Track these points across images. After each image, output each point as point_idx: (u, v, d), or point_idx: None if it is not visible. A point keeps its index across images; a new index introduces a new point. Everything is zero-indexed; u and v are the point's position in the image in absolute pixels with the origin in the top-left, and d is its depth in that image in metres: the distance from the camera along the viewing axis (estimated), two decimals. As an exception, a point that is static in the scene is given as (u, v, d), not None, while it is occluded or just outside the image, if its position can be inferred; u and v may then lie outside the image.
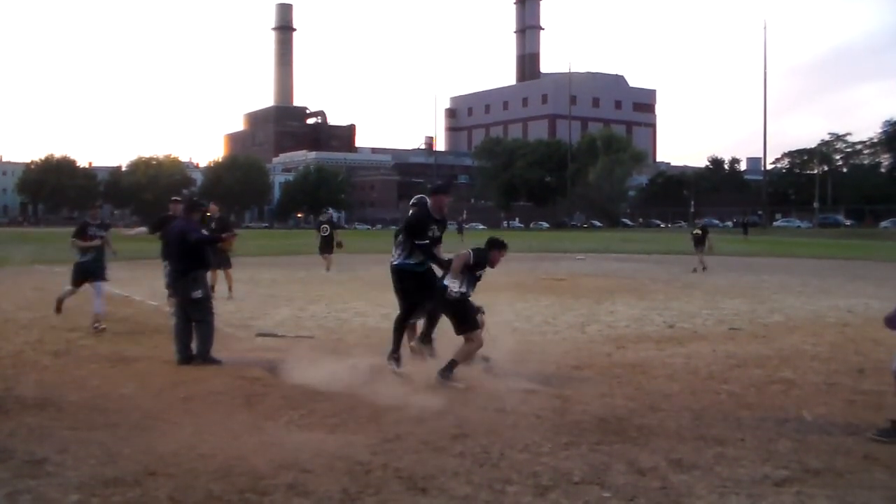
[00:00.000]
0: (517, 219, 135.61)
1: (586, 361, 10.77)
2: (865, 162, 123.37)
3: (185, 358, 10.55)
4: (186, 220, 11.16)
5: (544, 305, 17.30)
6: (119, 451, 6.57)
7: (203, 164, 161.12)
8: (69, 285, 14.20)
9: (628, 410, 8.10)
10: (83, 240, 13.91)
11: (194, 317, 10.64)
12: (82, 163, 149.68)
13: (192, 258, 10.72)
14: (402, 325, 10.01)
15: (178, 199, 13.44)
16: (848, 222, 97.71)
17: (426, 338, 9.92)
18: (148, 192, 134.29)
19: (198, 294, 10.64)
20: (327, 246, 27.11)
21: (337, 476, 5.96)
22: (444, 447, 6.75)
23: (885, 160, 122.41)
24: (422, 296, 9.79)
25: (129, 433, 7.18)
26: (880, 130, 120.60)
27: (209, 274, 13.39)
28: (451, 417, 7.68)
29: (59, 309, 14.24)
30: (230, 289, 18.29)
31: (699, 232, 30.33)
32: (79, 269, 14.00)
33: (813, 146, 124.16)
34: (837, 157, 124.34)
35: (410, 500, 5.55)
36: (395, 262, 9.93)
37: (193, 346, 10.62)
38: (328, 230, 27.47)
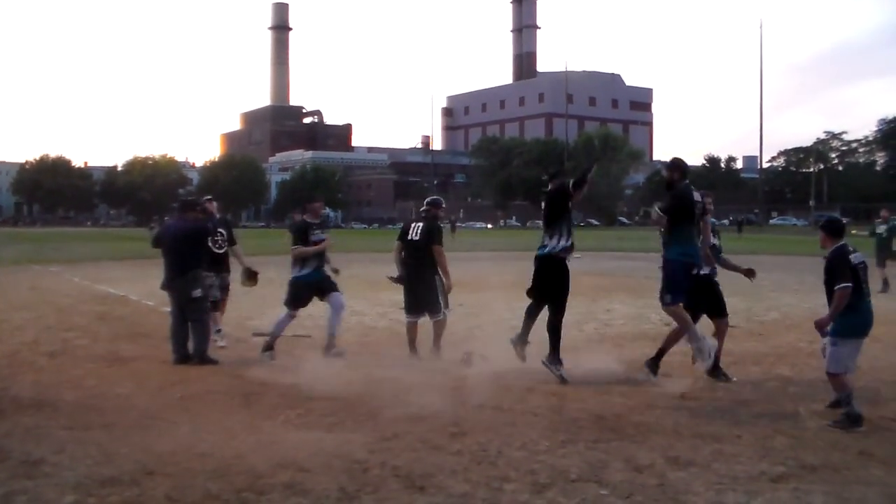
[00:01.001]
0: (514, 217, 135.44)
1: (583, 360, 10.75)
2: (861, 160, 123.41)
3: (182, 357, 10.54)
4: (182, 219, 11.11)
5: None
6: (116, 450, 6.57)
7: (199, 163, 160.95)
8: (285, 313, 10.97)
9: (625, 408, 8.10)
10: (307, 245, 11.09)
11: (191, 316, 10.62)
12: (78, 162, 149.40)
13: (191, 257, 10.69)
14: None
15: (210, 197, 12.62)
16: (844, 220, 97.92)
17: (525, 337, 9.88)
18: (144, 191, 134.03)
19: (197, 293, 10.63)
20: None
21: (335, 475, 5.96)
22: (442, 445, 6.75)
23: (880, 158, 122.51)
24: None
25: (126, 433, 7.18)
26: (875, 129, 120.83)
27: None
28: (449, 416, 7.69)
29: (271, 346, 10.93)
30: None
31: None
32: (301, 287, 11.01)
33: (809, 144, 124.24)
34: (833, 155, 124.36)
35: (408, 499, 5.55)
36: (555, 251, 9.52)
37: (190, 345, 10.62)
38: None
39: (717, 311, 9.71)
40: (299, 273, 10.97)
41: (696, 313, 9.49)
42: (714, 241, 9.58)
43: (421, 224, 10.79)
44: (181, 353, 10.57)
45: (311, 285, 10.97)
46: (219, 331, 11.77)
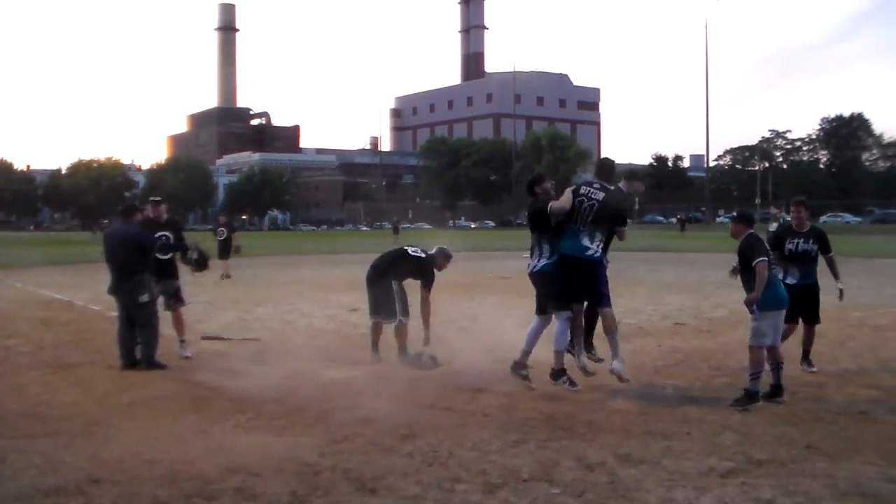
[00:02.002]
0: (463, 218, 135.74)
1: (533, 359, 10.76)
2: (805, 158, 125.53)
3: (129, 363, 10.39)
4: (126, 223, 10.82)
5: (490, 304, 17.32)
6: (61, 459, 6.46)
7: (145, 166, 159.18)
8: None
9: (576, 407, 8.14)
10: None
11: (139, 321, 10.46)
12: (20, 165, 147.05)
13: (138, 261, 10.48)
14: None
15: (159, 199, 12.31)
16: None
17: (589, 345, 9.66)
18: (89, 195, 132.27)
19: (144, 298, 10.46)
20: (225, 251, 25.22)
21: (285, 478, 5.92)
22: (393, 447, 6.74)
23: (823, 157, 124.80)
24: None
25: (72, 441, 7.06)
26: (818, 127, 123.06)
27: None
28: (400, 417, 7.67)
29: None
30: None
31: None
32: None
33: (754, 143, 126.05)
34: (778, 153, 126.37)
35: (360, 501, 5.52)
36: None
37: (137, 350, 10.48)
38: (224, 234, 25.96)
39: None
40: None
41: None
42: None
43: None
44: (128, 358, 10.42)
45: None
46: (182, 342, 11.50)
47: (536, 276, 9.12)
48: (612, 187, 9.05)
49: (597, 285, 8.85)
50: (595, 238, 8.81)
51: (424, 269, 10.75)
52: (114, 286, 10.64)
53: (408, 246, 11.23)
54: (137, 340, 10.52)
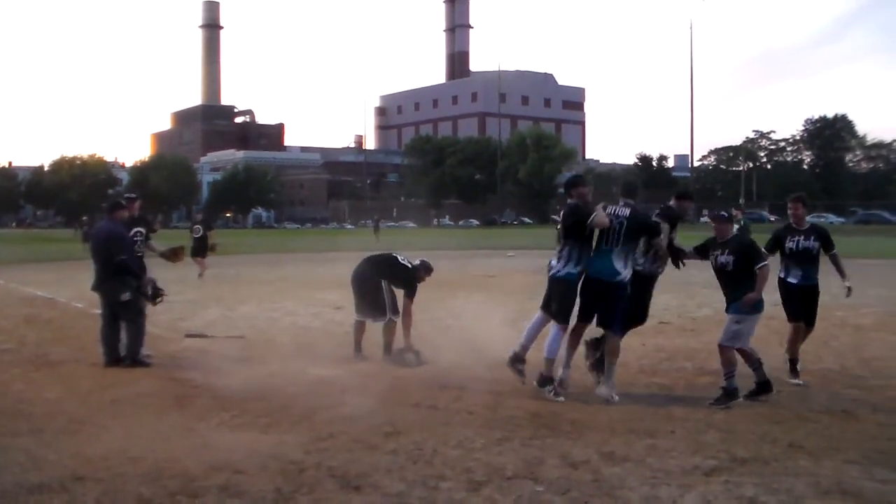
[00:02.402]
0: (447, 216, 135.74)
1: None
2: (789, 159, 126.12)
3: (113, 359, 10.35)
4: (111, 221, 10.77)
5: (475, 302, 17.30)
6: (44, 456, 6.44)
7: (129, 163, 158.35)
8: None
9: (560, 405, 8.17)
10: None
11: (124, 317, 10.43)
12: (2, 162, 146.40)
13: (119, 260, 10.38)
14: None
15: (134, 196, 12.26)
16: (773, 218, 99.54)
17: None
18: (72, 192, 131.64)
19: (126, 296, 10.40)
20: (200, 249, 24.37)
21: (270, 476, 5.92)
22: (377, 445, 6.74)
23: (807, 157, 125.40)
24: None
25: (55, 438, 7.03)
26: (802, 128, 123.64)
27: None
28: (384, 415, 7.68)
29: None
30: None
31: None
32: None
33: (738, 143, 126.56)
34: (762, 154, 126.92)
35: (344, 499, 5.52)
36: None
37: (121, 347, 10.44)
38: (200, 231, 25.12)
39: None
40: None
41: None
42: None
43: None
44: (112, 355, 10.38)
45: None
46: None
47: (557, 282, 8.86)
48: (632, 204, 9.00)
49: (614, 311, 8.72)
50: (627, 260, 8.68)
51: (410, 279, 10.87)
52: (94, 284, 10.61)
53: (396, 253, 11.32)
54: (120, 337, 10.47)
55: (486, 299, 17.88)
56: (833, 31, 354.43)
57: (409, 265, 11.01)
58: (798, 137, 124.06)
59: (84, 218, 51.24)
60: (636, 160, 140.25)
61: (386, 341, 10.68)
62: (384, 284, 10.70)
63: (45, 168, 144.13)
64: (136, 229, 11.13)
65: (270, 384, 9.03)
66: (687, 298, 18.06)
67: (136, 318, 10.51)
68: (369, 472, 6.02)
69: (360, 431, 7.12)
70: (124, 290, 10.40)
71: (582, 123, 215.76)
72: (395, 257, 11.14)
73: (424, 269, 11.16)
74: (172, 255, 11.89)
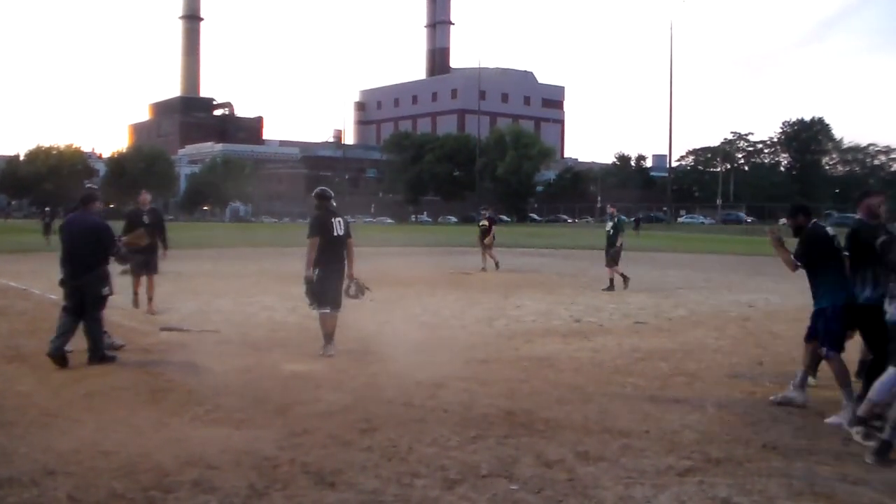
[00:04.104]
0: (425, 213, 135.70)
1: (494, 355, 10.83)
2: (766, 161, 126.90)
3: (59, 353, 9.79)
4: (87, 212, 10.51)
5: (452, 300, 17.35)
6: (15, 449, 6.39)
7: (106, 154, 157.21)
8: None
9: (535, 404, 8.17)
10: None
11: (92, 313, 10.08)
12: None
13: (98, 253, 10.18)
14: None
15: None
16: (749, 219, 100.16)
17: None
18: (48, 182, 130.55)
19: (106, 291, 10.17)
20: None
21: (244, 471, 5.89)
22: (352, 441, 6.72)
23: (784, 159, 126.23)
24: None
25: (26, 431, 6.98)
26: (779, 130, 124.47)
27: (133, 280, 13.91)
28: (359, 412, 7.66)
29: None
30: (150, 300, 14.65)
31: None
32: None
33: (716, 145, 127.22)
34: (740, 155, 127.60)
35: (318, 495, 5.50)
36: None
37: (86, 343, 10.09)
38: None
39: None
40: None
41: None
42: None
43: (340, 219, 10.86)
44: (60, 351, 9.82)
45: None
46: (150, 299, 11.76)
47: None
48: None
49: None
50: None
51: (348, 224, 11.12)
52: (69, 278, 10.23)
53: (339, 227, 11.06)
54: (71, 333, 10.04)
55: (462, 297, 17.91)
56: (813, 34, 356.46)
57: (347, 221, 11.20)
58: (775, 140, 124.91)
59: (47, 209, 50.38)
60: (614, 159, 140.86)
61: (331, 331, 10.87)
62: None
63: (21, 157, 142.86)
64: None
65: (245, 379, 9.00)
66: (662, 298, 18.15)
67: (99, 312, 10.22)
68: (344, 468, 6.00)
69: (335, 427, 7.11)
70: (105, 284, 10.20)
71: (561, 122, 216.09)
72: (345, 236, 11.07)
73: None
74: (134, 238, 11.79)
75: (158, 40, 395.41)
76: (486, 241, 26.23)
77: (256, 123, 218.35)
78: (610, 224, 20.53)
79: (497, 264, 25.98)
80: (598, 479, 5.88)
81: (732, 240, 57.82)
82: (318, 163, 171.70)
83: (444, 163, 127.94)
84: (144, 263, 14.31)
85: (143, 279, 14.65)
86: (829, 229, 8.40)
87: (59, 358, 9.75)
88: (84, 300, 10.14)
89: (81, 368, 9.70)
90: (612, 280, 20.05)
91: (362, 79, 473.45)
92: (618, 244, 20.17)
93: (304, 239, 10.93)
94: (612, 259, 20.21)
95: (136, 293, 14.54)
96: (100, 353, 10.11)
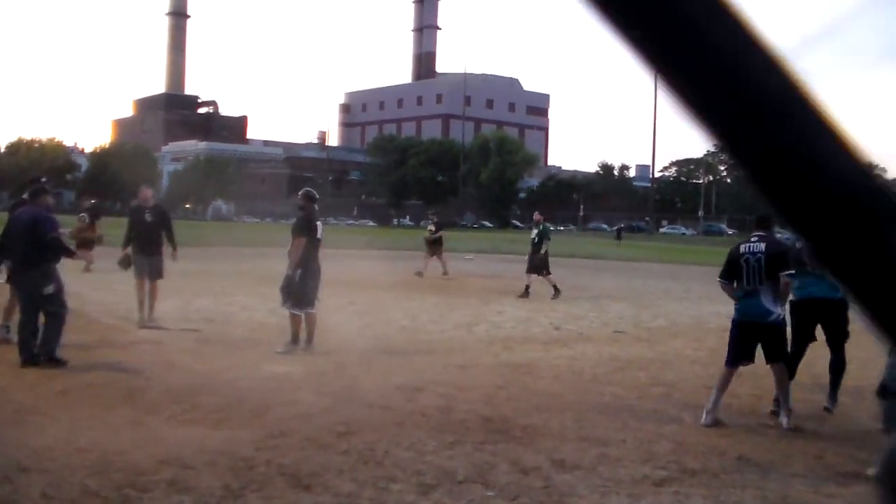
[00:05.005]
0: (408, 217, 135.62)
1: (473, 361, 10.83)
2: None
3: (30, 358, 9.45)
4: (36, 206, 10.14)
5: (431, 304, 17.33)
6: (-11, 445, 6.34)
7: (88, 149, 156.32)
8: None
9: (513, 410, 8.17)
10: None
11: (48, 309, 9.66)
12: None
13: (44, 250, 9.76)
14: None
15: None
16: (730, 231, 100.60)
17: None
18: (29, 175, 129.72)
19: (49, 290, 9.66)
20: (87, 240, 21.88)
21: (219, 472, 5.87)
22: (329, 444, 6.71)
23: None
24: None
25: (0, 428, 6.93)
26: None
27: (136, 283, 13.11)
28: (337, 414, 7.65)
29: None
30: (152, 308, 13.36)
31: None
32: None
33: (699, 156, 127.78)
34: (722, 168, 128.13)
35: (294, 497, 5.49)
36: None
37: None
38: (87, 220, 23.29)
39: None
40: None
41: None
42: None
43: (319, 221, 11.06)
44: (30, 352, 9.51)
45: None
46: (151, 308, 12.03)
47: None
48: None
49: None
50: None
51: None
52: (14, 275, 9.98)
53: (320, 230, 11.34)
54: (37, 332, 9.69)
55: (442, 302, 17.91)
56: (798, 48, 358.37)
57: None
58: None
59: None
60: (598, 168, 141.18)
61: (312, 331, 11.08)
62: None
63: (2, 150, 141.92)
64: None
65: (224, 379, 8.97)
66: (642, 308, 18.21)
67: (59, 310, 9.76)
68: (320, 471, 5.99)
69: (313, 430, 7.09)
70: (48, 282, 9.69)
71: (545, 129, 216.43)
72: (319, 237, 11.31)
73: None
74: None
75: (144, 36, 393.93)
76: (432, 248, 25.64)
77: (241, 122, 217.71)
78: (535, 231, 20.39)
79: (445, 272, 25.11)
80: (574, 487, 5.89)
81: (713, 251, 57.76)
82: (302, 164, 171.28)
83: (428, 167, 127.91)
84: (147, 267, 13.10)
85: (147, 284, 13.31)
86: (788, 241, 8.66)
87: (34, 364, 9.39)
88: (35, 298, 9.74)
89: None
90: (527, 287, 19.81)
91: (348, 81, 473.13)
92: (542, 251, 19.93)
93: (285, 240, 11.00)
94: (535, 267, 19.95)
95: (140, 301, 13.17)
96: (49, 353, 9.55)
